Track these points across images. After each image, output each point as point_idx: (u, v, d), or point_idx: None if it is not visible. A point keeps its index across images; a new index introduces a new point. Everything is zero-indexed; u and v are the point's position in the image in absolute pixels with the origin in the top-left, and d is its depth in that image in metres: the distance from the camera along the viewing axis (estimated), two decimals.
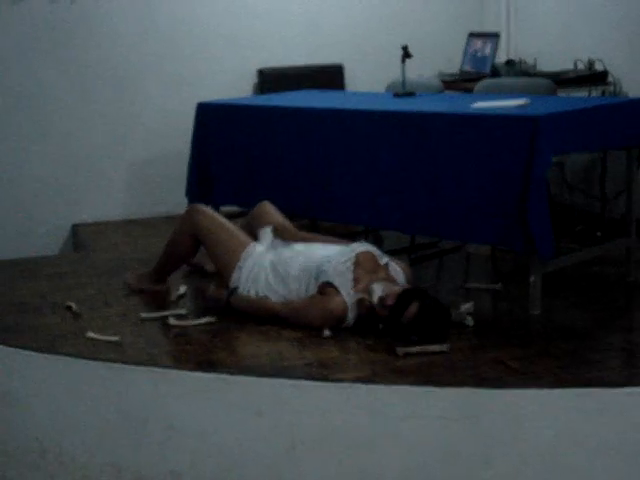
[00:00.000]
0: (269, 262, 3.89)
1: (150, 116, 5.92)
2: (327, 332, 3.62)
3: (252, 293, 3.89)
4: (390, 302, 3.57)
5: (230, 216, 4.44)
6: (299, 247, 3.94)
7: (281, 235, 4.05)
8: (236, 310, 3.90)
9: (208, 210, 4.17)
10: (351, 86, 6.22)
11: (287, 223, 4.18)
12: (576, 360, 3.36)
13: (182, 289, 4.28)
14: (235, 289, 3.92)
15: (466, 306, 3.85)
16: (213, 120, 4.97)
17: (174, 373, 3.40)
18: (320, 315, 3.68)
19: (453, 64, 6.10)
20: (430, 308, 3.56)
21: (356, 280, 3.69)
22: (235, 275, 3.95)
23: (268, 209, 4.26)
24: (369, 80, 6.01)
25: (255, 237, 4.11)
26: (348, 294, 3.66)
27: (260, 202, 4.31)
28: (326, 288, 3.69)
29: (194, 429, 3.37)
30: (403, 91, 4.82)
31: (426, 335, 3.52)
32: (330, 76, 6.16)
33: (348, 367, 3.37)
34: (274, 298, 3.84)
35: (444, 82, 5.49)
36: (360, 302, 3.65)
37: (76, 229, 5.79)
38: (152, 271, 4.34)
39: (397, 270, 3.80)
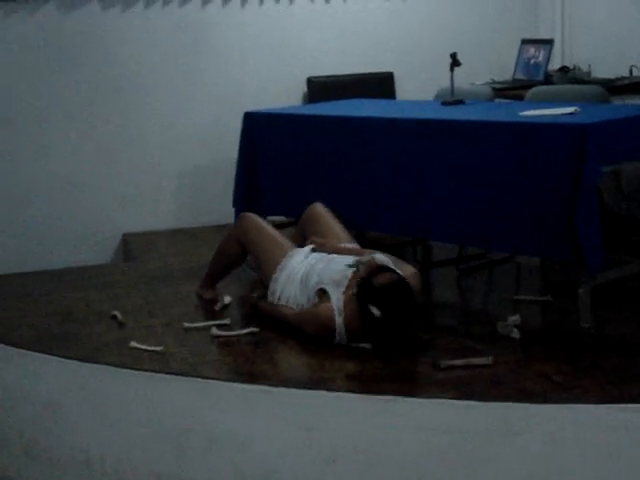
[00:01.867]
0: (301, 275, 3.87)
1: (199, 125, 5.94)
2: (367, 345, 3.59)
3: (283, 303, 3.89)
4: (373, 266, 3.58)
5: (277, 226, 4.44)
6: (326, 259, 3.88)
7: (320, 247, 4.03)
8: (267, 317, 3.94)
9: (257, 219, 4.19)
10: (402, 95, 6.17)
11: (336, 228, 4.16)
12: (626, 376, 3.26)
13: (227, 299, 4.27)
14: (264, 296, 3.96)
15: (513, 318, 3.77)
16: (259, 129, 4.96)
17: (216, 384, 3.39)
18: (311, 322, 3.66)
19: (506, 72, 6.03)
20: (402, 287, 3.53)
21: (350, 286, 3.64)
22: (272, 286, 3.95)
23: (319, 210, 4.25)
24: (420, 88, 5.95)
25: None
26: (338, 299, 3.61)
27: (312, 204, 4.30)
28: (320, 295, 3.68)
29: (236, 441, 3.35)
30: (451, 99, 4.76)
31: (389, 314, 3.47)
32: (380, 84, 6.12)
33: (389, 380, 3.31)
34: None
35: (495, 90, 5.42)
36: (348, 303, 3.59)
37: (126, 238, 5.82)
38: (204, 277, 4.38)
39: None
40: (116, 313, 4.12)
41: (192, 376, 3.43)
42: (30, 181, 5.70)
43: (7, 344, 3.88)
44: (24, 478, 3.85)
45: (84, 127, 5.75)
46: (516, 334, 3.69)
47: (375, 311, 3.49)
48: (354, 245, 4.10)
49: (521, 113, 4.09)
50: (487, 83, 5.81)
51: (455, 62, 4.74)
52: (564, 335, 3.73)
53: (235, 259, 4.25)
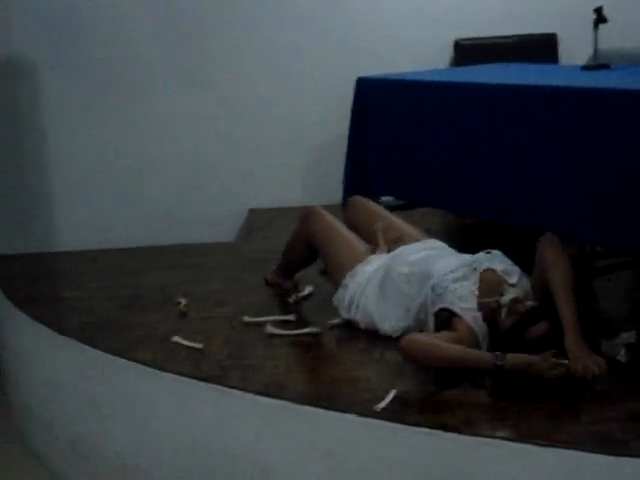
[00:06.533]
0: (378, 281, 3.31)
1: (330, 97, 5.34)
2: None
3: (357, 318, 3.33)
4: (521, 310, 2.90)
5: (390, 208, 3.88)
6: (413, 258, 3.29)
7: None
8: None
9: (325, 214, 3.63)
10: (567, 58, 5.34)
11: (396, 219, 3.65)
12: None
13: (307, 290, 3.76)
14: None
15: (625, 335, 3.02)
16: (372, 98, 4.36)
17: (237, 394, 2.91)
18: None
19: None
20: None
21: (480, 299, 3.02)
22: (341, 292, 3.41)
23: (366, 204, 3.71)
24: (589, 51, 5.10)
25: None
26: (474, 318, 2.98)
27: (351, 199, 3.77)
28: (448, 318, 3.02)
29: (255, 461, 2.88)
30: (594, 63, 3.97)
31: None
32: (541, 48, 5.32)
33: (439, 408, 2.68)
34: (381, 321, 3.25)
35: None
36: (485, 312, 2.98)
37: (251, 214, 5.44)
38: (277, 264, 3.90)
39: (529, 291, 3.05)
40: (181, 300, 3.72)
41: (216, 383, 2.97)
42: (157, 157, 5.41)
43: (61, 332, 3.57)
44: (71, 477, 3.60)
45: (211, 103, 5.38)
46: (622, 357, 2.94)
47: None
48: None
49: None
50: None
51: (600, 18, 3.94)
52: None
53: (303, 258, 3.74)
